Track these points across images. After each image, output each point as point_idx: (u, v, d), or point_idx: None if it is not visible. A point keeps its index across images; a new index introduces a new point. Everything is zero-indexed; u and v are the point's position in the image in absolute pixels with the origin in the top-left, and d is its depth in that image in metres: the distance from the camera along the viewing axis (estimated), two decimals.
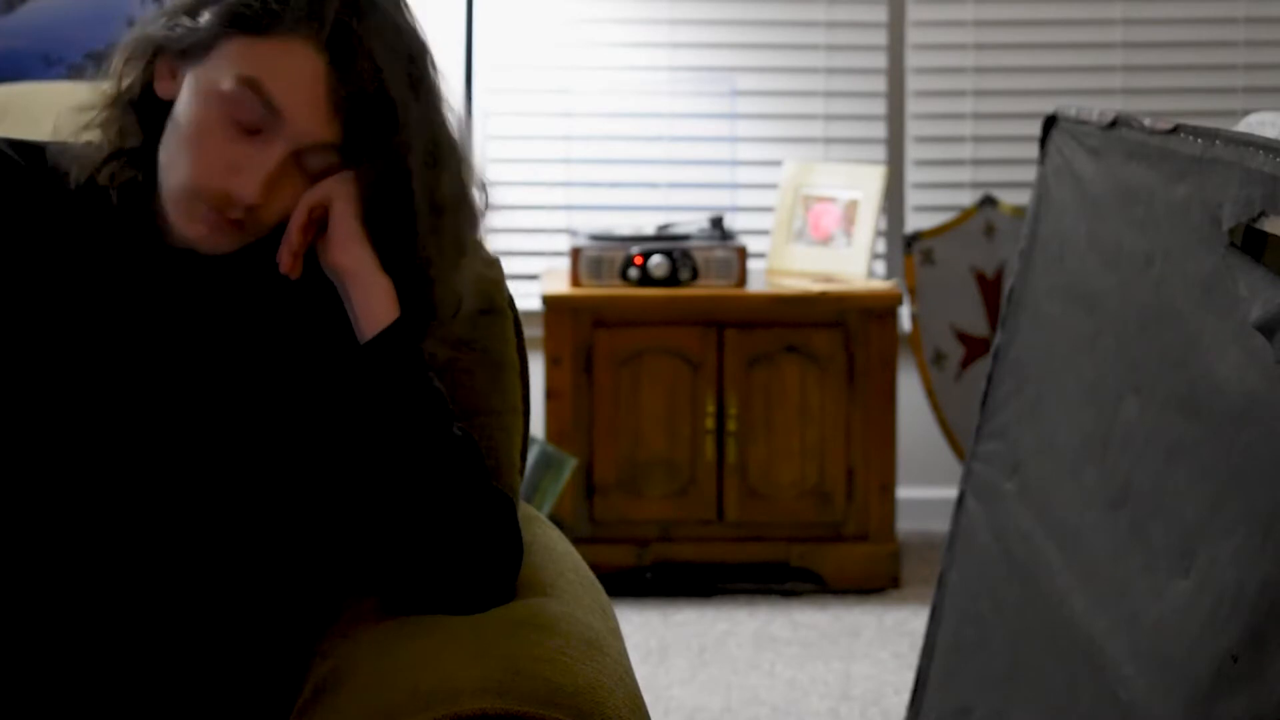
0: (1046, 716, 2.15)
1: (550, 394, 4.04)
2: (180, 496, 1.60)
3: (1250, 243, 1.76)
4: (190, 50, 1.58)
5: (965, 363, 4.35)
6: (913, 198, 4.59)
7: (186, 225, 1.59)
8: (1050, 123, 2.57)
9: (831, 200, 4.28)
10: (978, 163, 4.56)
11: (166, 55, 1.60)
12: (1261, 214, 1.72)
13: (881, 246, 4.54)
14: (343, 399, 1.62)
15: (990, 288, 4.34)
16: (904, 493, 4.30)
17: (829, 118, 4.54)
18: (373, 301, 1.62)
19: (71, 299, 1.60)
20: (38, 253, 1.60)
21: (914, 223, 4.55)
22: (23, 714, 1.53)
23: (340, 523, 1.63)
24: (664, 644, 3.76)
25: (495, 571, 1.64)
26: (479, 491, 1.63)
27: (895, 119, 4.58)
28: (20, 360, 1.57)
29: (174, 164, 1.59)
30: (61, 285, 1.60)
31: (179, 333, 1.64)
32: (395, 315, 1.62)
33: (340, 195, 1.60)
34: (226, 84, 1.56)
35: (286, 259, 1.61)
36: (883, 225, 4.54)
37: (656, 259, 4.07)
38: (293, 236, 1.61)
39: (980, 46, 4.55)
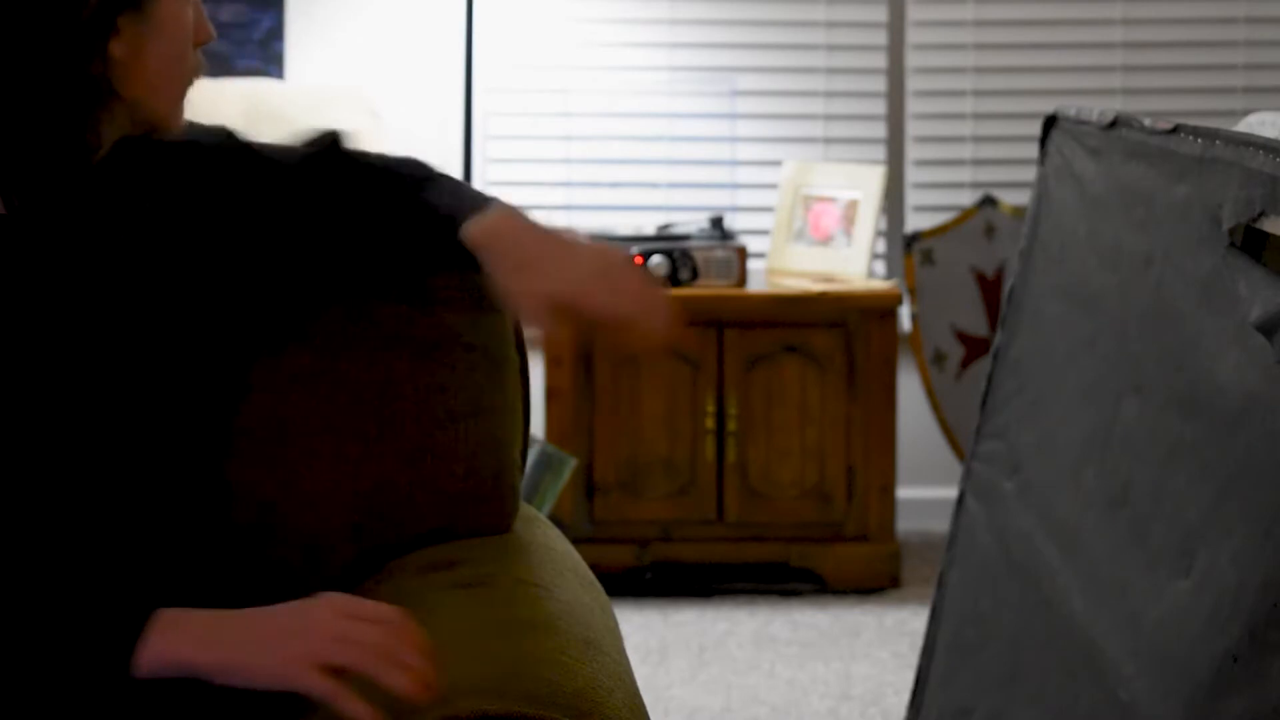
0: (1047, 717, 2.15)
1: (550, 394, 4.04)
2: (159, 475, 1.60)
3: (1250, 243, 1.76)
4: None
5: (965, 363, 4.35)
6: (913, 198, 4.59)
7: (177, 116, 1.60)
8: (1050, 123, 2.57)
9: (831, 200, 4.28)
10: (978, 163, 4.56)
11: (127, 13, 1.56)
12: (1261, 214, 1.72)
13: (881, 246, 4.54)
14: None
15: (990, 288, 4.34)
16: (904, 493, 4.30)
17: (829, 118, 4.54)
18: None
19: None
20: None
21: (914, 223, 4.55)
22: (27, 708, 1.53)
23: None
24: (664, 644, 3.76)
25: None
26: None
27: (895, 119, 4.58)
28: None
29: (167, 79, 1.58)
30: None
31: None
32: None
33: None
34: None
35: None
36: (883, 225, 4.55)
37: (656, 259, 4.07)
38: None
39: (980, 46, 4.55)
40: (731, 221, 4.35)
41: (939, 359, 4.36)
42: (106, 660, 1.41)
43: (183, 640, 1.42)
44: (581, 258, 1.62)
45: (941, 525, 3.44)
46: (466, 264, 1.63)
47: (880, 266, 4.55)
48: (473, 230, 1.63)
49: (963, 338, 4.36)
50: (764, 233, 4.43)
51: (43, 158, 1.54)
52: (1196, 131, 1.92)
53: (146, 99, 1.58)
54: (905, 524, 4.37)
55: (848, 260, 4.21)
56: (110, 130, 1.57)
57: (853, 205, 4.25)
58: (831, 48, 4.54)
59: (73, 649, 1.42)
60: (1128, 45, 4.55)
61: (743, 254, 4.09)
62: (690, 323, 4.06)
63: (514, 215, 1.64)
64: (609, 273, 1.62)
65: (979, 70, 4.56)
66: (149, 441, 1.60)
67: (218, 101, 3.89)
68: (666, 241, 4.13)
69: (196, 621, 1.43)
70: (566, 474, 3.78)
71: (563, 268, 1.61)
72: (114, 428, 1.58)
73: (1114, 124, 2.26)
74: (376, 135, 4.22)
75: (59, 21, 1.50)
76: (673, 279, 4.07)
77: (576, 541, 2.13)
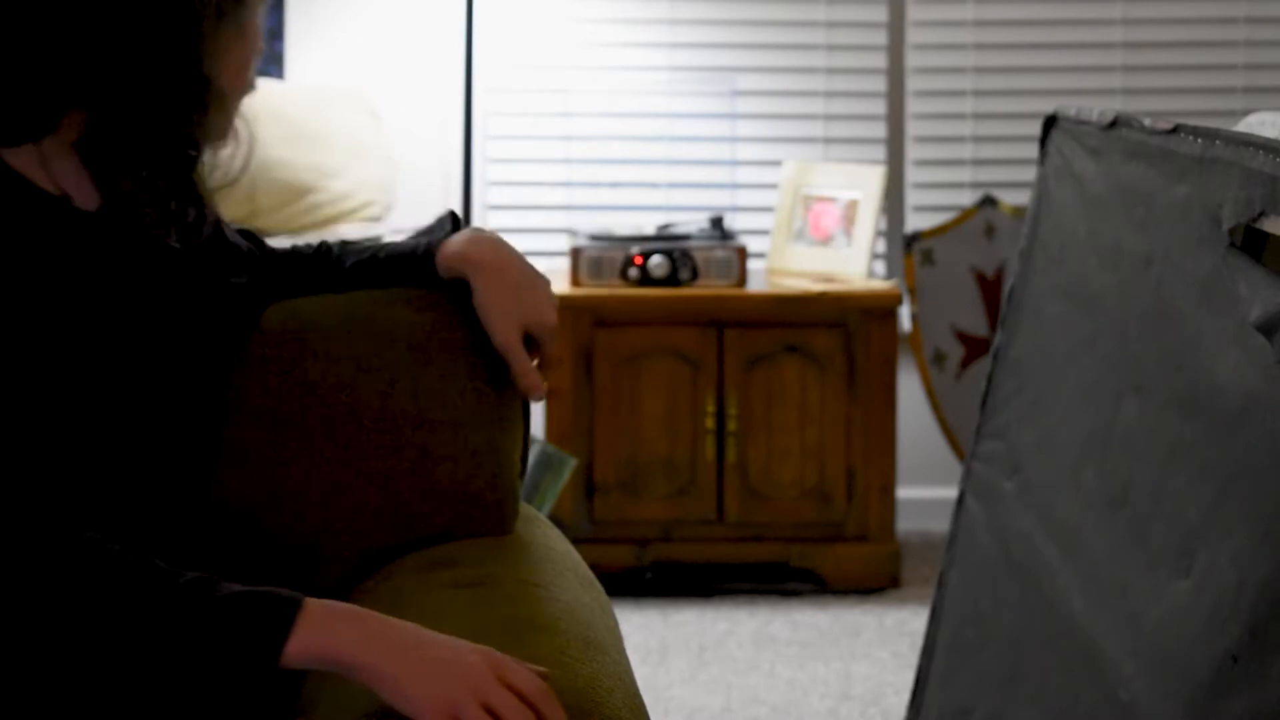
0: (1047, 717, 2.15)
1: (550, 394, 4.04)
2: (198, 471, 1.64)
3: (1250, 243, 1.76)
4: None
5: (965, 363, 4.35)
6: (913, 198, 4.59)
7: (231, 125, 1.64)
8: (1050, 123, 2.57)
9: (831, 200, 4.28)
10: (978, 163, 4.56)
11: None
12: (1261, 214, 1.72)
13: (881, 246, 4.54)
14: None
15: (990, 288, 4.34)
16: (904, 493, 4.30)
17: (829, 118, 4.54)
18: None
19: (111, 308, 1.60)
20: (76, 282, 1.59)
21: (914, 223, 4.55)
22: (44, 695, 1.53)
23: None
24: (664, 644, 3.76)
25: None
26: None
27: (895, 119, 4.58)
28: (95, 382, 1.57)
29: (238, 87, 1.63)
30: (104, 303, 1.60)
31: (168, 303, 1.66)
32: None
33: None
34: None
35: None
36: (883, 225, 4.54)
37: (656, 259, 4.07)
38: None
39: (980, 46, 4.55)
40: (731, 221, 4.35)
41: (939, 359, 4.36)
42: (257, 650, 1.41)
43: (340, 635, 1.42)
44: (539, 284, 1.83)
45: (941, 525, 3.44)
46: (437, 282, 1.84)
47: (880, 266, 4.55)
48: (456, 248, 1.81)
49: (963, 338, 4.36)
50: (764, 233, 4.43)
51: (156, 155, 1.58)
52: (1196, 131, 1.93)
53: (224, 103, 1.63)
54: (905, 524, 4.36)
55: (848, 260, 4.21)
56: (205, 133, 1.60)
57: (853, 205, 4.25)
58: (831, 48, 4.54)
59: (223, 638, 1.41)
60: (1128, 45, 4.54)
61: (743, 254, 4.09)
62: (690, 323, 4.06)
63: (493, 239, 1.83)
64: (552, 295, 1.83)
65: (979, 70, 4.56)
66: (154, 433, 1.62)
67: None
68: (666, 241, 4.13)
69: (352, 617, 1.44)
70: (566, 474, 3.78)
71: (535, 295, 1.81)
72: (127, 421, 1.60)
73: (1114, 124, 2.26)
74: (376, 135, 4.22)
75: (182, 22, 1.55)
76: (673, 279, 4.07)
77: (576, 541, 2.13)
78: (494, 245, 1.82)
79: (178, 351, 1.64)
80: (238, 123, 1.65)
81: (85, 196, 1.59)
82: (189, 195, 1.64)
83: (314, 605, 1.43)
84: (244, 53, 1.63)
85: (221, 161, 1.64)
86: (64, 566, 1.42)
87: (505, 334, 1.81)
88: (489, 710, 1.39)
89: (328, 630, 1.42)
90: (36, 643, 1.43)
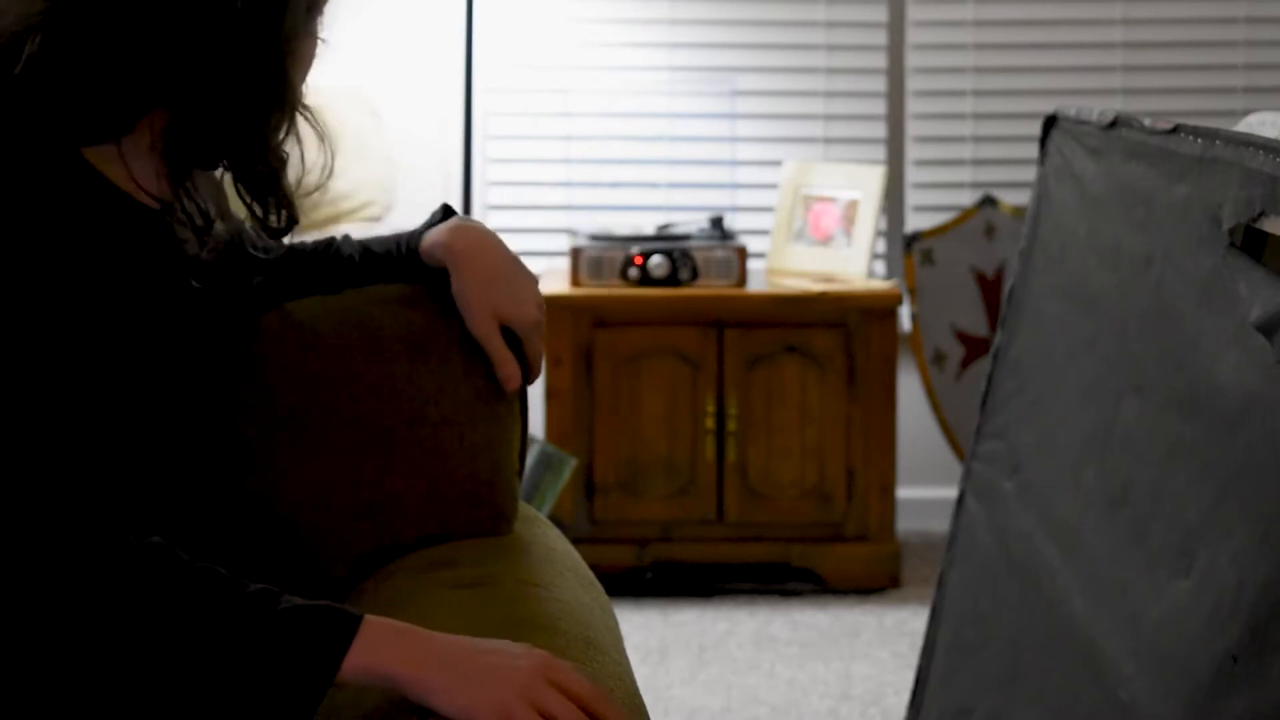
0: (1047, 717, 2.15)
1: (550, 394, 4.04)
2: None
3: (1250, 243, 1.76)
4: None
5: (965, 363, 4.35)
6: (913, 198, 4.59)
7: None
8: (1050, 123, 2.57)
9: (831, 200, 4.28)
10: (978, 163, 4.56)
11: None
12: (1261, 214, 1.72)
13: (881, 246, 4.54)
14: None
15: (990, 288, 4.34)
16: (904, 493, 4.30)
17: (829, 118, 4.54)
18: None
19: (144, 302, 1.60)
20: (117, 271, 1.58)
21: (914, 223, 4.55)
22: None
23: None
24: (664, 644, 3.76)
25: None
26: None
27: (895, 119, 4.58)
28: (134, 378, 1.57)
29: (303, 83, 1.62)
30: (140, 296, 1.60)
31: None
32: None
33: None
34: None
35: None
36: (883, 225, 4.54)
37: (656, 259, 4.07)
38: None
39: (980, 46, 4.55)
40: (731, 221, 4.35)
41: (939, 359, 4.36)
42: (315, 665, 1.40)
43: (390, 652, 1.42)
44: (521, 278, 1.83)
45: (941, 525, 3.44)
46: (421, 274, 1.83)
47: (880, 266, 4.55)
48: (438, 238, 1.80)
49: (963, 338, 4.36)
50: (764, 233, 4.43)
51: (237, 156, 1.58)
52: (1196, 131, 1.93)
53: (296, 105, 1.62)
54: (905, 524, 4.36)
55: (848, 260, 4.21)
56: (279, 134, 1.60)
57: (853, 205, 4.24)
58: (831, 48, 4.54)
59: (284, 651, 1.41)
60: (1128, 45, 4.55)
61: (743, 254, 4.09)
62: (690, 323, 4.06)
63: (478, 230, 1.81)
64: (536, 292, 1.84)
65: (979, 70, 4.56)
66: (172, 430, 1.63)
67: None
68: (666, 241, 4.13)
69: (404, 634, 1.44)
70: (566, 474, 3.78)
71: (514, 288, 1.82)
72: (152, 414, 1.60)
73: (1114, 124, 2.26)
74: (376, 135, 4.22)
75: (273, 26, 1.54)
76: (673, 279, 4.07)
77: (576, 541, 2.14)
78: (475, 235, 1.81)
79: (199, 349, 1.65)
80: (320, 127, 1.64)
81: (158, 194, 1.60)
82: (280, 200, 1.63)
83: (371, 622, 1.43)
84: (312, 54, 1.63)
85: (310, 167, 1.64)
86: (130, 571, 1.41)
87: (480, 321, 1.80)
88: (541, 714, 1.39)
89: (382, 646, 1.42)
90: (95, 646, 1.42)
